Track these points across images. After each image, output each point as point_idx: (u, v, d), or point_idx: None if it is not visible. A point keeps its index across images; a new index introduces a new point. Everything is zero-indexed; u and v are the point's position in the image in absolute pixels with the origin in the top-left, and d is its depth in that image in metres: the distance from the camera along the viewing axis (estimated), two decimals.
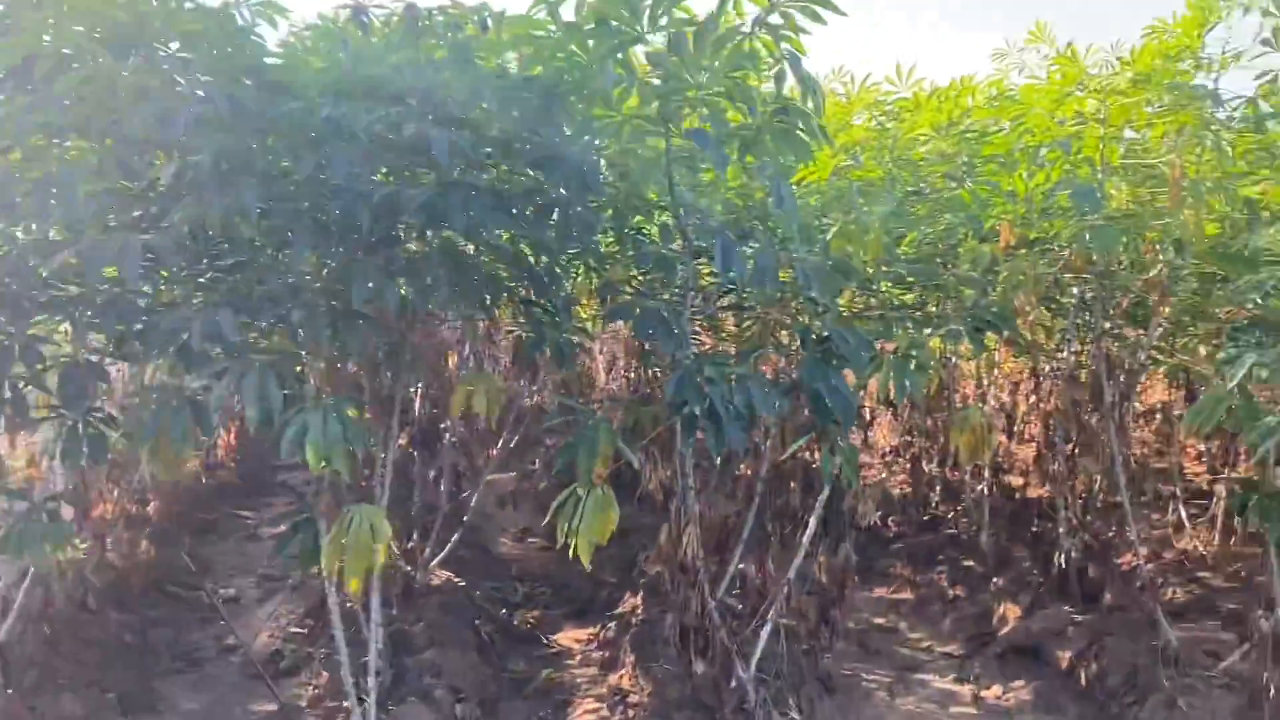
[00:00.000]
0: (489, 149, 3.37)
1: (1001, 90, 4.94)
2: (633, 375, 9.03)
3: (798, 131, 3.30)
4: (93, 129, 3.22)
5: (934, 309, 5.61)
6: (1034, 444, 7.49)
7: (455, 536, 5.88)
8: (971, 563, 6.43)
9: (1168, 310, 4.95)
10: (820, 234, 4.27)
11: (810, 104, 3.27)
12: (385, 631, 4.64)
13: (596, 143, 3.56)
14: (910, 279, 5.25)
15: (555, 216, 3.45)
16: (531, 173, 3.61)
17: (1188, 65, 4.29)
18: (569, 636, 5.61)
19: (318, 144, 3.10)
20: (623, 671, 4.79)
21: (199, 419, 2.95)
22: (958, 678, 5.13)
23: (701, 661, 4.19)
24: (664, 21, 3.10)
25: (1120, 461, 5.15)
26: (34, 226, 3.39)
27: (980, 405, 6.76)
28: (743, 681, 4.24)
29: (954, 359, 7.25)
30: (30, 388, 3.44)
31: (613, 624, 5.36)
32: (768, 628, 4.34)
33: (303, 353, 3.52)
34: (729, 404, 3.29)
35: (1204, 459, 8.52)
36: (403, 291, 3.44)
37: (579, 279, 5.43)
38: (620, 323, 5.51)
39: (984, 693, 4.94)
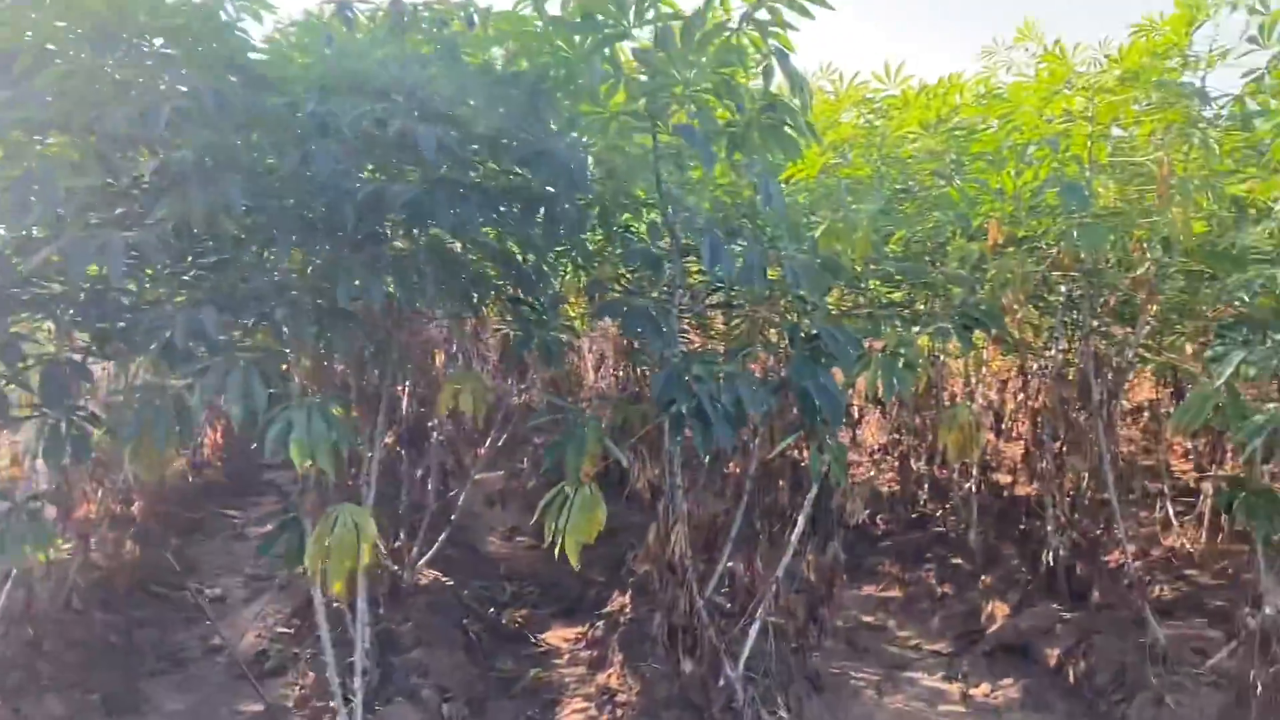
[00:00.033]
0: (475, 146, 3.35)
1: (989, 89, 4.94)
2: (621, 374, 9.01)
3: (786, 128, 3.29)
4: (74, 125, 3.18)
5: (922, 307, 5.61)
6: (1022, 442, 7.50)
7: (443, 536, 5.86)
8: (960, 561, 6.43)
9: (1155, 308, 4.96)
10: (809, 232, 4.26)
11: (798, 101, 3.26)
12: (372, 631, 4.62)
13: (584, 140, 3.54)
14: (899, 277, 5.25)
15: (542, 214, 3.43)
16: (519, 170, 3.59)
17: (1175, 63, 4.29)
18: (557, 635, 5.59)
19: (302, 140, 3.08)
20: (611, 670, 4.78)
21: (182, 418, 2.92)
22: (946, 676, 5.13)
23: (690, 660, 4.17)
24: (650, 15, 3.08)
25: (1108, 459, 5.16)
26: (15, 223, 3.35)
27: (968, 403, 6.76)
28: (731, 680, 4.23)
29: (942, 357, 7.25)
30: (12, 386, 3.40)
31: (601, 623, 5.35)
32: (756, 626, 4.33)
33: (287, 351, 3.49)
34: (717, 402, 3.28)
35: (1191, 457, 8.54)
36: (389, 289, 3.41)
37: (567, 277, 5.41)
38: (609, 321, 5.50)
39: (972, 691, 4.94)
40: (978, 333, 4.72)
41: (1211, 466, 7.50)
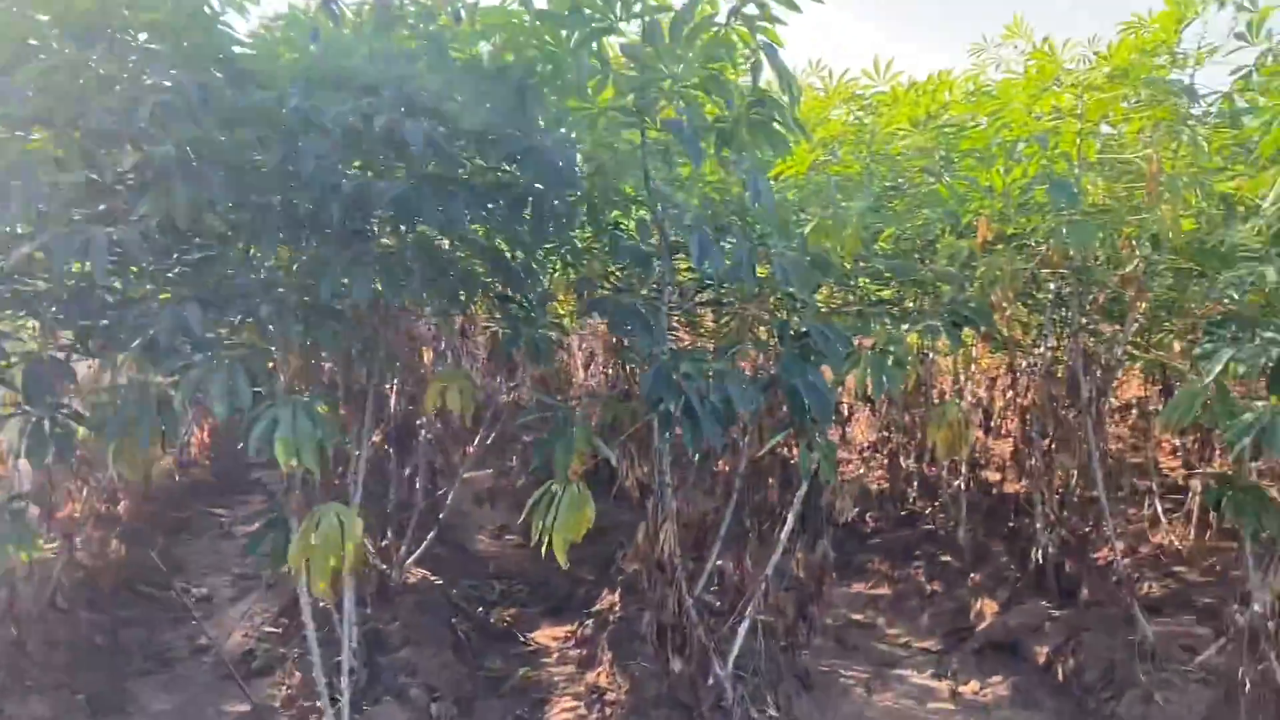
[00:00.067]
0: (463, 142, 3.32)
1: (979, 86, 4.93)
2: (611, 372, 9.00)
3: (774, 124, 3.27)
4: (57, 120, 3.15)
5: (912, 305, 5.60)
6: (1011, 439, 7.51)
7: (431, 534, 5.83)
8: (949, 558, 6.44)
9: (1144, 306, 4.96)
10: (798, 229, 4.25)
11: (787, 97, 3.24)
12: (360, 630, 4.60)
13: (572, 136, 3.52)
14: (888, 274, 5.24)
15: (530, 210, 3.40)
16: (507, 167, 3.57)
17: (1164, 60, 4.28)
18: (546, 634, 5.57)
19: (287, 136, 3.05)
20: (600, 669, 4.76)
21: (166, 417, 2.89)
22: (935, 673, 5.13)
23: (679, 659, 4.16)
24: (638, 9, 3.06)
25: (1097, 457, 5.16)
26: None
27: (957, 401, 6.76)
28: (720, 679, 4.22)
29: (931, 355, 7.25)
30: None
31: (590, 622, 5.33)
32: (745, 624, 4.32)
33: (272, 349, 3.46)
34: (705, 400, 3.26)
35: (1179, 454, 8.57)
36: (376, 286, 3.38)
37: (556, 274, 5.39)
38: (598, 319, 5.48)
39: (961, 688, 4.94)
40: (967, 330, 4.71)
41: (1200, 464, 7.53)
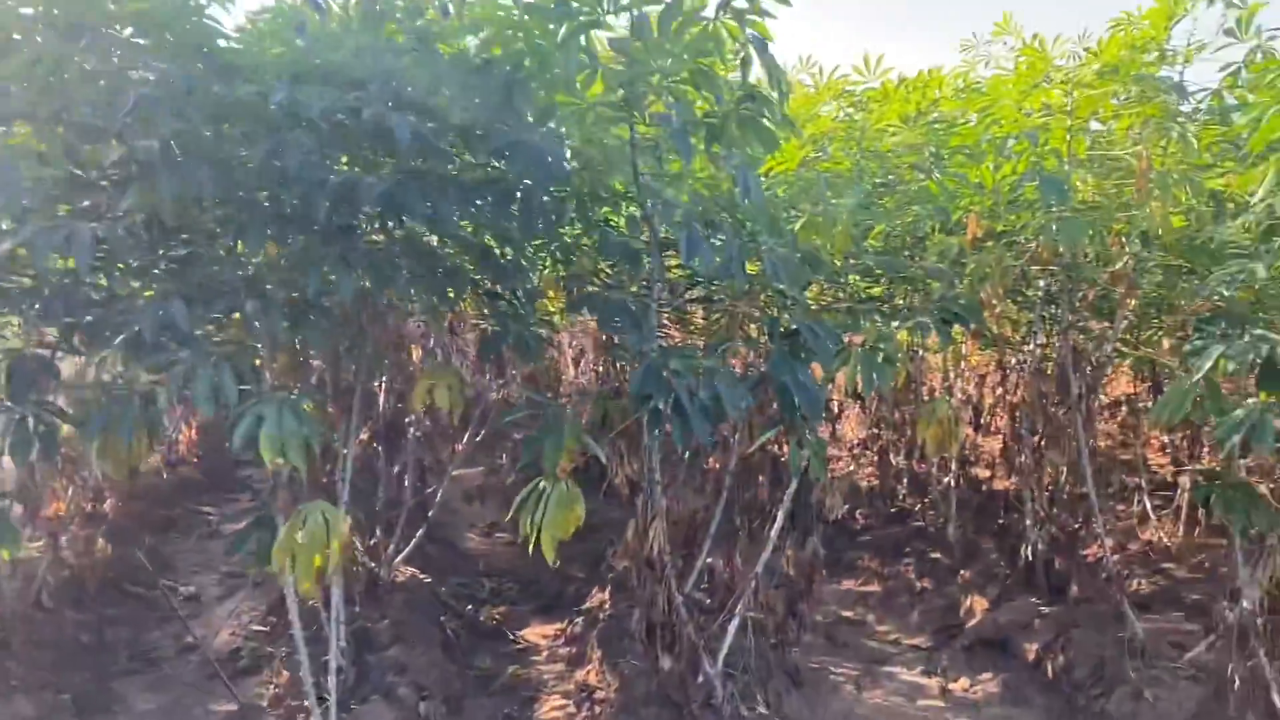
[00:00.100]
0: (450, 136, 3.30)
1: (969, 83, 4.93)
2: (601, 369, 8.98)
3: (764, 120, 3.26)
4: (40, 115, 3.12)
5: (902, 302, 5.60)
6: (1001, 436, 7.52)
7: (420, 532, 5.81)
8: (939, 555, 6.43)
9: (1133, 303, 4.96)
10: (788, 225, 4.24)
11: (776, 93, 3.23)
12: (348, 629, 4.57)
13: (561, 130, 3.50)
14: (878, 271, 5.23)
15: (518, 206, 3.38)
16: (495, 163, 3.55)
17: (1153, 57, 4.28)
18: (536, 632, 5.55)
19: (274, 130, 3.02)
20: (590, 667, 4.74)
21: (149, 414, 2.86)
22: (925, 670, 5.12)
23: (668, 657, 4.15)
24: (626, 1, 3.04)
25: (1086, 454, 5.16)
26: None
27: (947, 398, 6.77)
28: (710, 676, 4.21)
29: (921, 352, 7.25)
30: None
31: (580, 620, 5.31)
32: (735, 622, 4.31)
33: (259, 345, 3.43)
34: (695, 398, 3.24)
35: (1168, 451, 8.58)
36: (364, 283, 3.36)
37: (545, 271, 5.37)
38: (588, 315, 5.45)
39: (951, 685, 4.93)
40: (957, 327, 4.71)
41: (1189, 461, 7.55)
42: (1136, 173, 4.07)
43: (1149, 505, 6.76)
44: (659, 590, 4.08)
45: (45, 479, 5.13)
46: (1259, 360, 3.29)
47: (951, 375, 8.65)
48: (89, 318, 3.32)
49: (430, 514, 6.04)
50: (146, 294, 3.25)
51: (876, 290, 5.80)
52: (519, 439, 7.40)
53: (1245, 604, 4.03)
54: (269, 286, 3.30)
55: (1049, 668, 4.82)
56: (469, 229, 4.10)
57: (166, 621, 5.43)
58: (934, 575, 6.18)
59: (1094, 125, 4.60)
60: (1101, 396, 7.79)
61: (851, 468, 8.50)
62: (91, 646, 4.93)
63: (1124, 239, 4.55)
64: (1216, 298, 3.62)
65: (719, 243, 3.54)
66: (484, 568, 6.62)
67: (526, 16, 3.13)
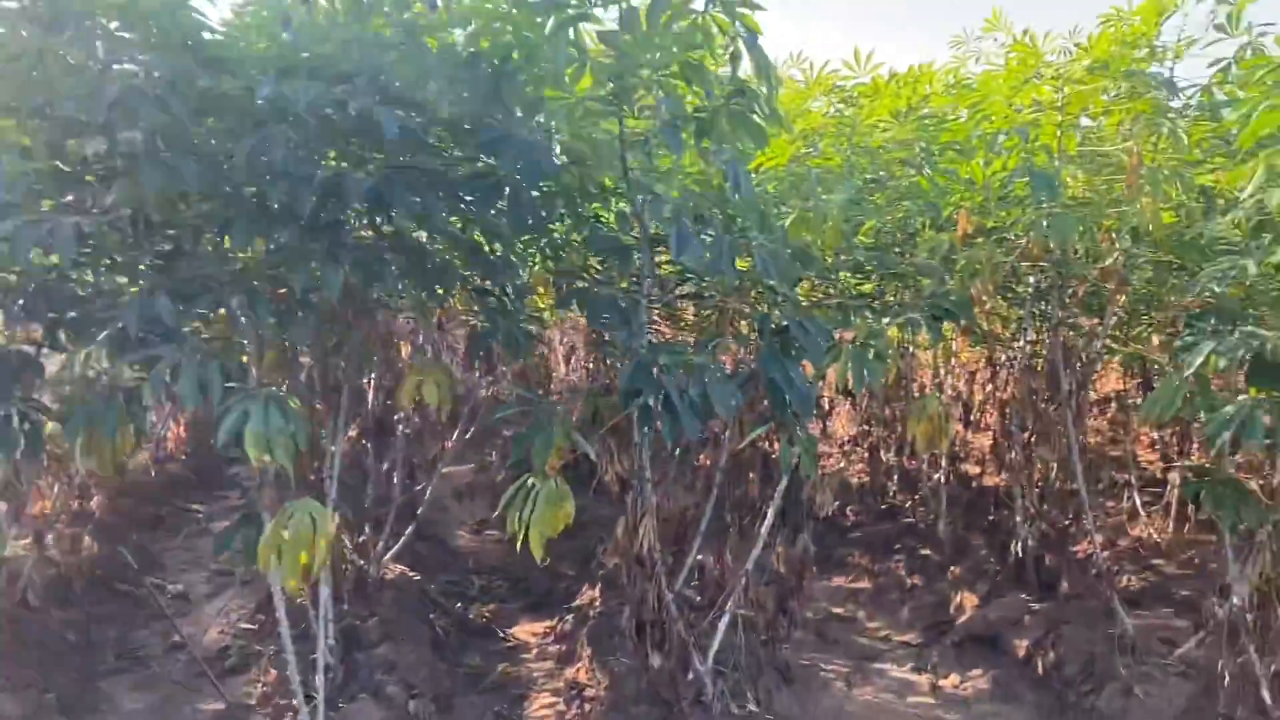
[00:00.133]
0: (438, 130, 3.28)
1: (959, 79, 4.92)
2: (592, 366, 8.96)
3: (754, 115, 3.24)
4: (23, 108, 3.09)
5: (892, 299, 5.59)
6: (991, 433, 7.52)
7: (410, 530, 5.78)
8: (929, 551, 6.43)
9: (1123, 299, 4.96)
10: (779, 222, 4.22)
11: (765, 86, 3.21)
12: (337, 627, 4.55)
13: (551, 124, 3.48)
14: (869, 268, 5.22)
15: (506, 200, 3.35)
16: (484, 159, 3.52)
17: (1143, 53, 4.27)
18: (526, 630, 5.53)
19: (260, 124, 2.99)
20: (579, 665, 4.73)
21: (133, 410, 2.83)
22: (915, 667, 5.12)
23: (658, 654, 4.13)
24: None
25: (1077, 450, 5.16)
26: None
27: (937, 395, 6.76)
28: (700, 674, 4.20)
29: (911, 349, 7.25)
30: None
31: (570, 617, 5.30)
32: (725, 619, 4.30)
33: (245, 341, 3.41)
34: (684, 394, 3.23)
35: (1157, 447, 8.60)
36: (350, 279, 3.34)
37: (535, 268, 5.34)
38: (578, 312, 5.43)
39: (941, 682, 4.93)
40: (947, 324, 4.71)
41: (1178, 457, 7.56)
42: (1127, 168, 4.06)
43: (1139, 501, 6.77)
44: (649, 587, 4.06)
45: (31, 477, 5.09)
46: (1248, 356, 3.29)
47: (942, 372, 8.65)
48: (73, 314, 3.29)
49: (420, 511, 6.01)
50: (133, 290, 3.21)
51: (867, 287, 5.79)
52: (509, 436, 7.38)
53: (1235, 600, 4.03)
54: (256, 282, 3.27)
55: (1039, 664, 4.82)
56: (458, 225, 4.08)
57: (154, 620, 5.39)
58: (924, 572, 6.17)
59: (1084, 121, 4.59)
60: (1091, 393, 7.79)
61: (842, 464, 8.49)
62: (78, 645, 4.89)
63: (1114, 235, 4.54)
64: (1207, 294, 3.62)
65: (709, 238, 3.52)
66: (474, 565, 6.59)
67: (514, 9, 3.11)
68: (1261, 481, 4.49)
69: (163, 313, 2.84)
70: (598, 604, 5.20)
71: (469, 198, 3.41)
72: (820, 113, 4.80)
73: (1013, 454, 5.86)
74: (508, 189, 3.33)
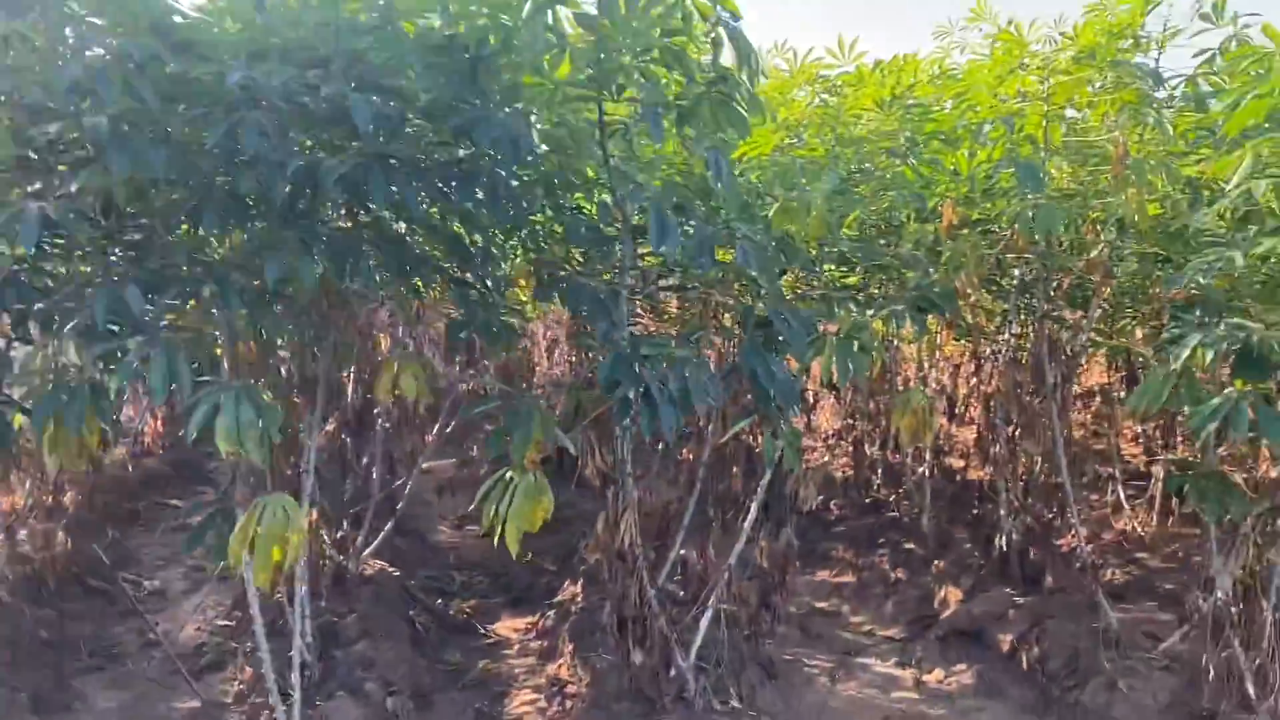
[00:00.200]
0: (414, 117, 3.21)
1: (944, 69, 4.88)
2: (575, 359, 8.91)
3: (735, 103, 3.19)
4: None
5: (876, 291, 5.56)
6: (975, 426, 7.50)
7: (389, 525, 5.72)
8: (913, 546, 6.41)
9: (1108, 291, 4.94)
10: (763, 212, 4.18)
11: (746, 71, 3.15)
12: (315, 624, 4.49)
13: (531, 112, 3.41)
14: (854, 259, 5.19)
15: (484, 188, 3.29)
16: (463, 148, 3.46)
17: (1128, 44, 4.24)
18: (507, 626, 5.48)
19: (232, 110, 2.92)
20: (561, 661, 4.68)
21: (99, 402, 2.76)
22: (899, 661, 5.09)
23: (640, 651, 4.09)
24: None
25: (1061, 443, 5.15)
26: None
27: (922, 388, 6.74)
28: (682, 670, 4.16)
29: (896, 342, 7.22)
30: None
31: (551, 613, 5.26)
32: (708, 614, 4.26)
33: (217, 334, 3.34)
34: (664, 387, 3.18)
35: (1141, 440, 8.61)
36: (322, 269, 3.27)
37: (517, 260, 5.28)
38: (560, 304, 5.37)
39: (925, 677, 4.90)
40: (931, 317, 4.68)
41: (1162, 450, 7.57)
42: (1112, 159, 4.03)
43: (1123, 495, 6.77)
44: (630, 583, 4.02)
45: (1, 471, 5.01)
46: (1234, 349, 3.26)
47: (926, 365, 8.63)
48: (41, 305, 3.21)
49: (399, 506, 5.95)
50: (97, 282, 3.14)
51: (852, 279, 5.76)
52: (491, 430, 7.31)
53: (1219, 594, 4.02)
54: (229, 273, 3.20)
55: (1023, 659, 4.80)
56: (437, 215, 4.01)
57: (129, 617, 5.32)
58: (908, 566, 6.15)
59: (1070, 113, 4.56)
60: (1075, 386, 7.79)
61: (826, 458, 8.47)
62: (51, 643, 4.80)
63: (1099, 227, 4.52)
64: (1193, 286, 3.59)
65: (691, 229, 3.47)
66: (454, 561, 6.53)
67: None
68: (1246, 475, 4.48)
69: (131, 303, 2.77)
70: (579, 600, 5.16)
71: (444, 187, 3.34)
72: (804, 102, 4.75)
73: (997, 447, 5.84)
74: (485, 177, 3.27)
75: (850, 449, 8.00)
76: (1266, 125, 3.50)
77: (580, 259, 4.86)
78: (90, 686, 4.59)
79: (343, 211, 3.91)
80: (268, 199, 3.05)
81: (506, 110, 3.14)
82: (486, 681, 4.76)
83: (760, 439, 4.31)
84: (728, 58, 3.19)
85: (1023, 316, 5.87)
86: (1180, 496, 3.99)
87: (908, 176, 4.54)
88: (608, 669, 4.34)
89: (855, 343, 3.86)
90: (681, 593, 4.64)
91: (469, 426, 7.23)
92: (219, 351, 3.49)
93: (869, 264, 5.25)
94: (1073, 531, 5.44)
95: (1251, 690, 3.94)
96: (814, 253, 4.65)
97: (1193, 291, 3.79)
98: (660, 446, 4.75)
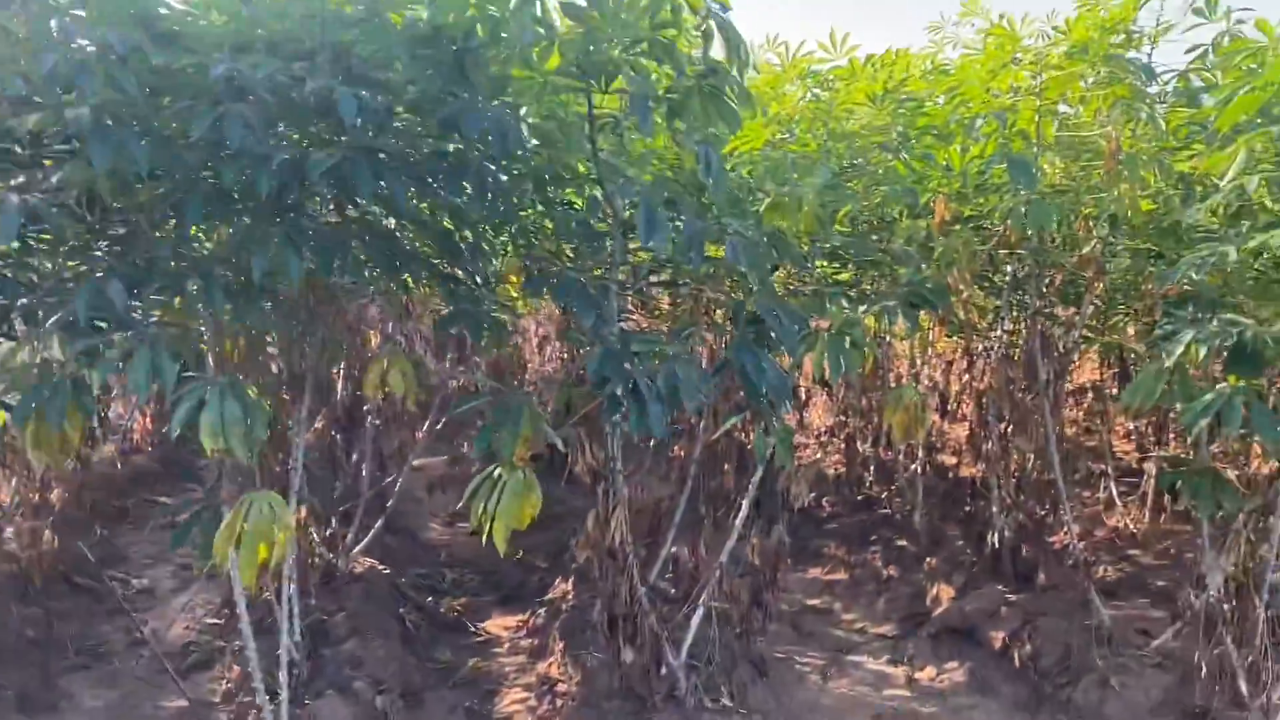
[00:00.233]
0: (402, 110, 3.18)
1: (937, 64, 4.86)
2: (567, 356, 8.89)
3: (726, 96, 3.16)
4: None
5: (869, 287, 5.54)
6: (967, 423, 7.50)
7: (380, 522, 5.68)
8: (905, 543, 6.39)
9: (1101, 287, 4.93)
10: (754, 207, 4.15)
11: (736, 64, 3.13)
12: (304, 622, 4.46)
13: (519, 105, 3.38)
14: (846, 256, 5.17)
15: (473, 181, 3.26)
16: (453, 142, 3.43)
17: (1120, 39, 4.23)
18: (497, 624, 5.46)
19: (217, 103, 2.88)
20: (551, 660, 4.66)
21: (82, 399, 2.73)
22: (891, 659, 5.08)
23: (630, 649, 4.06)
24: None
25: (1054, 440, 5.13)
26: None
27: (914, 384, 6.73)
28: (673, 668, 4.14)
29: (888, 338, 7.21)
30: None
31: (542, 611, 5.23)
32: (699, 612, 4.24)
33: (202, 329, 3.30)
34: (652, 384, 3.15)
35: (1133, 437, 8.61)
36: (309, 264, 3.23)
37: (508, 256, 5.25)
38: (551, 300, 5.35)
39: (918, 674, 4.89)
40: (924, 313, 4.66)
41: (1154, 447, 7.57)
42: (1106, 153, 4.02)
43: (1115, 492, 6.77)
44: (621, 581, 3.99)
45: None
46: (1228, 345, 3.25)
47: (919, 362, 8.63)
48: (25, 300, 3.17)
49: (390, 504, 5.91)
50: (82, 271, 3.11)
51: (844, 275, 5.74)
52: (481, 427, 7.27)
53: (1212, 591, 4.00)
54: (215, 268, 3.16)
55: (1016, 656, 4.79)
56: (426, 210, 3.98)
57: (116, 615, 5.27)
58: (900, 563, 6.13)
59: (1062, 109, 4.55)
60: (1067, 383, 7.79)
61: (818, 455, 8.45)
62: (37, 642, 4.77)
63: (1092, 223, 4.51)
64: (1185, 281, 3.57)
65: (681, 224, 3.44)
66: (445, 558, 6.50)
67: None
68: (1238, 471, 4.47)
69: (114, 298, 2.73)
70: (570, 597, 5.13)
71: (432, 181, 3.31)
72: (796, 97, 4.72)
73: (989, 444, 5.82)
74: (474, 170, 3.23)
75: (842, 446, 7.98)
76: (1259, 120, 3.49)
77: (571, 255, 4.83)
78: (77, 685, 4.55)
79: (331, 206, 3.88)
80: (253, 193, 3.01)
81: (495, 103, 3.10)
82: (477, 680, 4.74)
83: (752, 436, 4.29)
84: (718, 50, 3.16)
85: (1015, 313, 5.86)
86: (1173, 493, 3.98)
87: (900, 172, 4.52)
88: (598, 667, 4.32)
89: (847, 339, 3.85)
90: (673, 590, 4.62)
91: (460, 423, 7.20)
92: (202, 346, 3.46)
93: (861, 260, 5.22)
94: (1065, 528, 5.43)
95: (1244, 687, 3.93)
96: (806, 248, 4.62)
97: (1185, 287, 3.77)
98: (652, 443, 4.72)
